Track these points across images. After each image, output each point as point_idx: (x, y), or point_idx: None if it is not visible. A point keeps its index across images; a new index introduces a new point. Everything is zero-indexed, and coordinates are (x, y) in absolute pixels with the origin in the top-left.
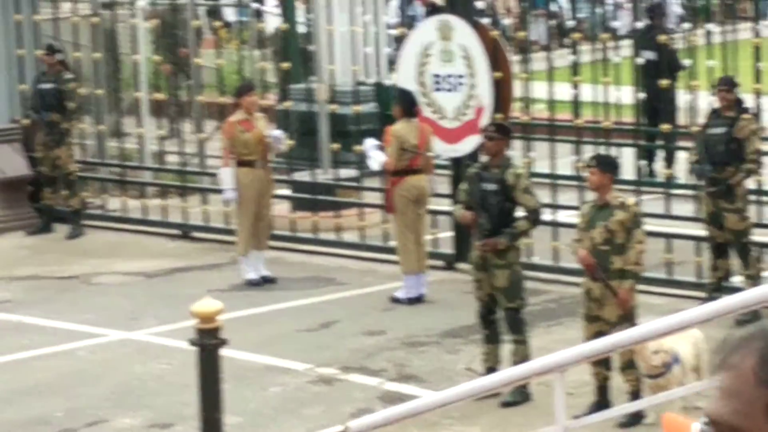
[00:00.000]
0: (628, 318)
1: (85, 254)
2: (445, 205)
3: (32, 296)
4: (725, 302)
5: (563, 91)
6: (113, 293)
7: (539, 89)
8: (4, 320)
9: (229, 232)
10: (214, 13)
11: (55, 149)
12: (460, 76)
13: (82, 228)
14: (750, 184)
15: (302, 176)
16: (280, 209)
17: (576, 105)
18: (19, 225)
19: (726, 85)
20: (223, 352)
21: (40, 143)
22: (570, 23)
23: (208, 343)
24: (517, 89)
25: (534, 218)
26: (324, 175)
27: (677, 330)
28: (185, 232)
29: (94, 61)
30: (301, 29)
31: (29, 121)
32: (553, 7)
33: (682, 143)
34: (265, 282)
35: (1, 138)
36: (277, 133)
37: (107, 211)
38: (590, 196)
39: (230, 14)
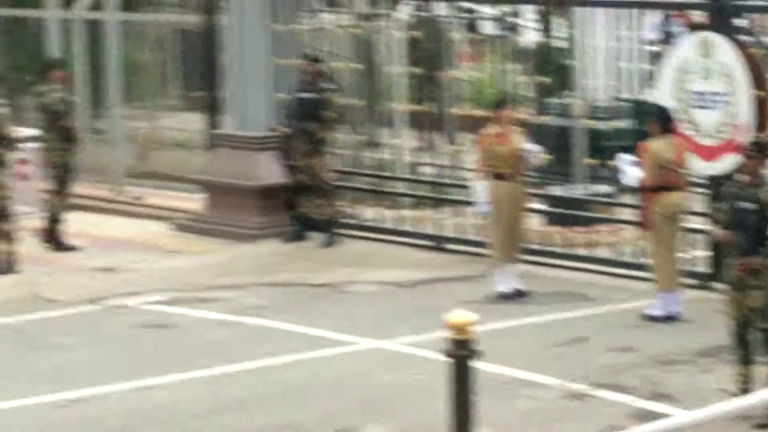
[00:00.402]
0: None
1: (338, 263)
2: (700, 223)
3: (285, 302)
4: None
5: None
6: (365, 302)
7: None
8: (258, 325)
9: (482, 244)
10: (471, 26)
11: (311, 158)
12: (720, 94)
13: (336, 237)
14: None
15: (556, 191)
16: (534, 223)
17: None
18: (274, 232)
19: None
20: (473, 363)
21: (300, 152)
22: None
23: (461, 354)
24: None
25: None
26: (578, 190)
27: None
28: (438, 244)
29: (352, 71)
30: (558, 44)
31: (288, 129)
32: None
33: None
34: (518, 295)
35: (260, 146)
36: (532, 147)
37: (361, 220)
38: None
39: (488, 28)
